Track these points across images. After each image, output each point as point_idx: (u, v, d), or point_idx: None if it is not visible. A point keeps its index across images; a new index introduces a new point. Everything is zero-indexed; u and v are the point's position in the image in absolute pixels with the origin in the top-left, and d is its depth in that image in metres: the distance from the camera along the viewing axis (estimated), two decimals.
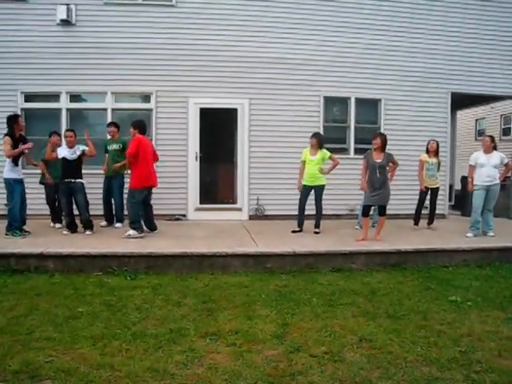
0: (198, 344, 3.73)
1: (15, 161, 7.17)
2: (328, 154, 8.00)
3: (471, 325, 4.23)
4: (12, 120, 7.21)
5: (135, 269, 6.01)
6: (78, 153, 7.61)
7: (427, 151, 8.59)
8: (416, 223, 8.70)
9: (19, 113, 9.09)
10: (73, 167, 7.58)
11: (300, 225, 8.04)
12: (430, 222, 8.79)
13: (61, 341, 3.74)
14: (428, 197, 8.69)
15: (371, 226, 7.95)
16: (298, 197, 8.01)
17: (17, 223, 7.16)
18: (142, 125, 7.61)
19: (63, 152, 7.62)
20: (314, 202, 7.96)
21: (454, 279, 5.89)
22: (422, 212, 8.71)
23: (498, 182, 7.79)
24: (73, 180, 7.55)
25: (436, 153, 8.59)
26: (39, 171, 8.20)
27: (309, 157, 7.92)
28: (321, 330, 4.06)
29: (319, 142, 7.94)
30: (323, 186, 7.92)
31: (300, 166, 8.02)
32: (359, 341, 3.83)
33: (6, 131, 7.16)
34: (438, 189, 8.75)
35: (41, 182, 8.26)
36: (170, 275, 5.90)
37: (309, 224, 7.99)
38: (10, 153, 7.03)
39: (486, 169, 7.73)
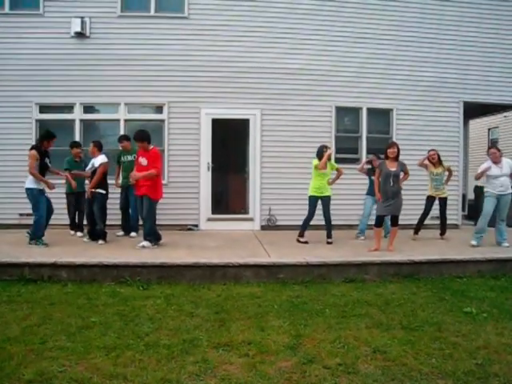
0: (210, 355, 3.71)
1: (41, 174, 7.34)
2: (335, 165, 8.08)
3: (487, 337, 4.16)
4: (48, 137, 7.46)
5: (148, 279, 6.02)
6: (96, 165, 7.78)
7: (429, 161, 8.53)
8: (416, 232, 8.63)
9: (33, 124, 9.31)
10: (92, 178, 7.77)
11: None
12: (443, 232, 8.70)
13: (74, 350, 3.75)
14: (437, 207, 8.62)
15: (383, 236, 7.91)
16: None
17: (41, 232, 7.31)
18: (148, 136, 7.33)
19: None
20: (322, 213, 7.98)
21: (469, 290, 5.81)
22: (435, 223, 8.63)
23: (510, 191, 7.73)
24: (92, 190, 7.72)
25: (440, 162, 8.53)
26: (61, 181, 8.27)
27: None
28: (334, 341, 4.03)
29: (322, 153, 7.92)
30: (330, 196, 7.98)
31: (322, 166, 7.86)
32: (373, 352, 3.79)
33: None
34: (446, 198, 8.64)
35: (67, 193, 8.42)
36: (183, 285, 5.90)
37: (321, 234, 7.98)
38: (34, 170, 7.16)
39: (502, 179, 7.68)
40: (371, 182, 8.31)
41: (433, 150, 8.60)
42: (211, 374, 3.37)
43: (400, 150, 7.28)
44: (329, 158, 7.96)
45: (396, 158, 7.25)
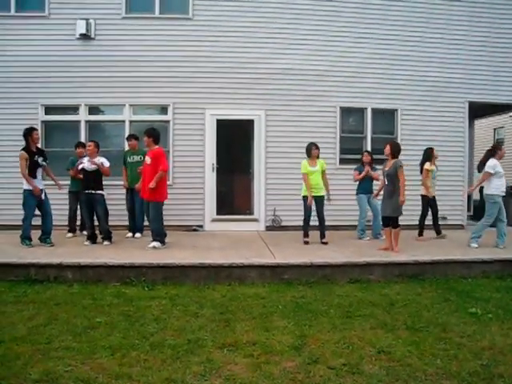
0: (215, 355, 3.73)
1: (31, 174, 7.33)
2: (325, 164, 8.06)
3: (492, 338, 4.15)
4: (27, 134, 7.42)
5: (153, 279, 6.04)
6: (93, 166, 7.67)
7: (429, 159, 8.45)
8: (420, 234, 8.61)
9: (39, 125, 9.33)
10: (92, 179, 7.69)
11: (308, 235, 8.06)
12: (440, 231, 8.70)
13: (80, 350, 3.77)
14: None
15: (374, 237, 8.29)
16: (314, 208, 8.00)
17: (26, 233, 7.38)
18: (156, 134, 7.47)
19: (84, 163, 7.81)
20: (316, 213, 8.02)
21: (474, 291, 5.79)
22: (441, 223, 8.64)
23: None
24: (93, 191, 7.67)
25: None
26: (63, 182, 8.27)
27: (309, 168, 7.89)
28: (339, 341, 4.03)
29: (310, 151, 7.97)
30: (324, 197, 8.00)
31: (305, 178, 7.91)
32: (378, 353, 3.79)
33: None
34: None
35: (70, 191, 8.43)
36: (188, 286, 5.92)
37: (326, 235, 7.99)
38: (23, 170, 7.26)
39: (504, 179, 7.64)
40: (360, 181, 8.47)
41: (431, 148, 8.60)
42: (216, 374, 3.38)
43: (398, 147, 7.33)
44: (318, 157, 7.99)
45: (392, 157, 7.23)
